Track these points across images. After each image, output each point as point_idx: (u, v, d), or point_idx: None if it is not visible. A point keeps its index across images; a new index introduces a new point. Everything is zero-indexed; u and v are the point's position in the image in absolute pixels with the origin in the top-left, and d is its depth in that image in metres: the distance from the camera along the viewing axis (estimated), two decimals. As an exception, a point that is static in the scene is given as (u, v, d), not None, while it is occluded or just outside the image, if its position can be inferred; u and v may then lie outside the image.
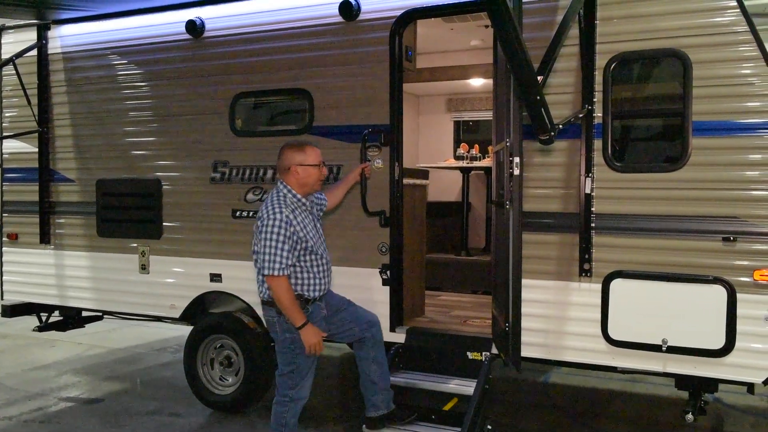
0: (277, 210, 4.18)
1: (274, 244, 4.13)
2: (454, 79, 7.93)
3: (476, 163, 8.00)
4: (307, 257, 4.32)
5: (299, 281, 4.33)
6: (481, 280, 7.24)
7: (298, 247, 4.25)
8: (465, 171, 8.17)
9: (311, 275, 4.35)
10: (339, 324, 4.68)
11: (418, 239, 6.03)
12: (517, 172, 4.17)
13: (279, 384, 4.42)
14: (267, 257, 4.15)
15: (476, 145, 8.27)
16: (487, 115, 8.61)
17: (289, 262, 4.20)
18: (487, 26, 6.70)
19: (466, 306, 6.48)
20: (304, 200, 4.39)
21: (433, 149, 8.94)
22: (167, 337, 8.87)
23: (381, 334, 4.84)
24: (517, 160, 4.16)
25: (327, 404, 6.36)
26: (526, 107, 3.84)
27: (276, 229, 4.14)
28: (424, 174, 6.33)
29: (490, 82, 7.83)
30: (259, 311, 5.70)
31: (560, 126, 4.07)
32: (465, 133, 9.16)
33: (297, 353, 4.32)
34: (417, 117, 9.10)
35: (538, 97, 3.70)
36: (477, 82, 8.04)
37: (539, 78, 3.82)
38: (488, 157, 8.08)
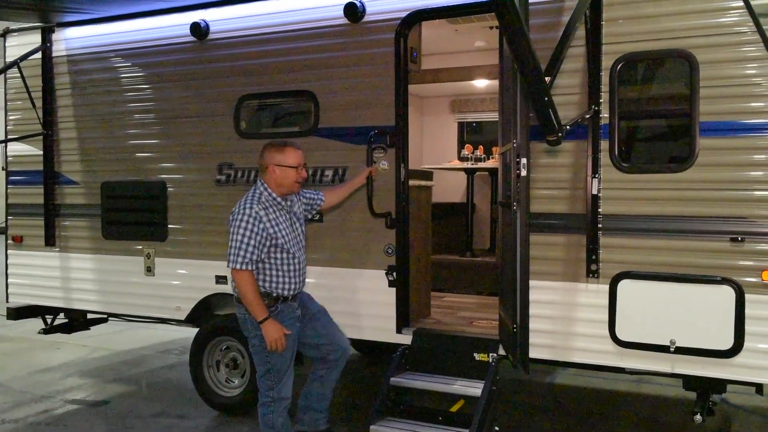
0: (248, 206, 4.27)
1: (240, 237, 4.21)
2: (458, 80, 7.92)
3: (481, 165, 7.99)
4: (278, 255, 4.36)
5: (267, 278, 4.37)
6: (486, 281, 7.23)
7: (268, 243, 4.30)
8: (469, 172, 8.16)
9: (281, 273, 4.39)
10: (311, 333, 4.69)
11: (424, 240, 6.02)
12: (524, 173, 4.17)
13: (260, 386, 4.47)
14: (232, 250, 4.22)
15: (480, 146, 8.27)
16: (491, 116, 8.62)
17: (254, 257, 4.24)
18: (492, 27, 6.69)
19: (472, 307, 6.47)
20: (279, 200, 4.42)
21: (436, 151, 8.94)
22: (171, 339, 8.87)
23: (345, 361, 4.85)
24: (524, 161, 4.16)
25: (332, 405, 6.33)
26: (533, 108, 3.83)
27: (244, 224, 4.22)
28: (428, 175, 6.33)
29: (494, 83, 7.86)
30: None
31: (568, 127, 4.06)
32: (469, 134, 9.16)
33: (269, 352, 4.35)
34: (421, 118, 9.10)
35: (546, 98, 3.70)
36: (481, 84, 8.04)
37: (547, 79, 3.81)
38: (493, 158, 8.09)
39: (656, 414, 6.11)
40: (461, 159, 8.29)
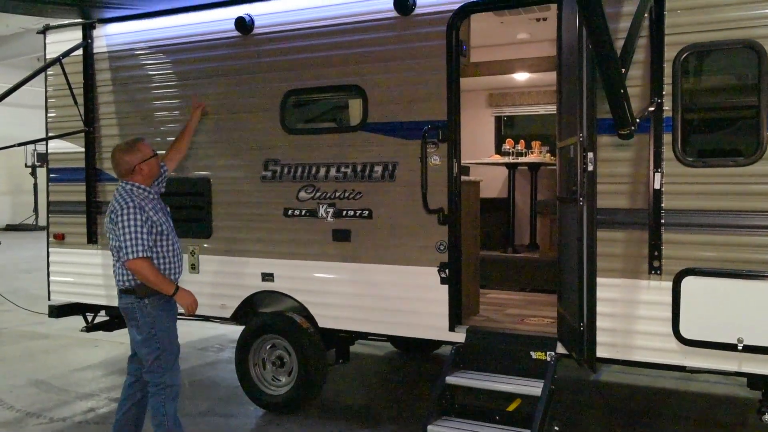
0: (128, 200, 4.40)
1: (132, 229, 4.32)
2: (497, 73, 7.80)
3: (523, 159, 7.88)
4: (162, 242, 4.51)
5: (159, 265, 4.48)
6: (530, 277, 7.14)
7: (154, 231, 4.42)
8: (511, 167, 8.05)
9: (167, 260, 4.55)
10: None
11: (473, 237, 5.95)
12: (591, 167, 4.08)
13: (149, 378, 4.53)
14: (128, 242, 4.30)
15: (521, 141, 8.15)
16: (530, 110, 8.50)
17: (149, 244, 4.37)
18: (539, 20, 6.58)
19: (519, 304, 6.38)
20: (149, 190, 4.57)
21: (474, 145, 8.82)
22: (208, 336, 8.82)
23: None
24: (590, 155, 4.06)
25: (379, 403, 6.30)
26: (609, 101, 3.74)
27: (132, 216, 4.34)
28: (466, 170, 6.24)
29: (534, 76, 7.78)
30: (314, 310, 5.70)
31: (639, 120, 3.96)
32: (505, 128, 9.04)
33: (159, 336, 4.46)
34: (457, 113, 8.98)
35: (622, 91, 3.60)
36: (521, 77, 7.91)
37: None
38: (533, 152, 7.98)
39: (709, 413, 6.00)
40: (502, 153, 8.18)
